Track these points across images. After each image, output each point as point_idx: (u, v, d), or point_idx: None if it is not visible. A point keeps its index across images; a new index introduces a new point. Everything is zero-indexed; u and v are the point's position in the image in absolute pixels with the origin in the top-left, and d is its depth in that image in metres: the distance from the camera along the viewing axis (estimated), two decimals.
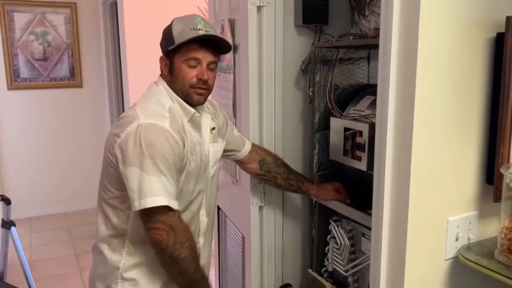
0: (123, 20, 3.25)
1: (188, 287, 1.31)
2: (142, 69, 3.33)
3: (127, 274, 1.32)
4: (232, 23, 1.73)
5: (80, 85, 4.48)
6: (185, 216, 1.33)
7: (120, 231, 1.32)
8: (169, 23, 1.34)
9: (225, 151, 1.52)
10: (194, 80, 1.30)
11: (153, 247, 1.23)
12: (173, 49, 1.27)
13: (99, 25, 4.37)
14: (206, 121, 1.41)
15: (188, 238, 1.25)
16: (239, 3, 1.65)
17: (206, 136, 1.40)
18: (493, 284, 1.21)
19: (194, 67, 1.29)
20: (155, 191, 1.17)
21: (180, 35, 1.26)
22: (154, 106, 1.29)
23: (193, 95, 1.32)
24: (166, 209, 1.19)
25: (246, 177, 1.73)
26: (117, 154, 1.22)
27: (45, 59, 4.33)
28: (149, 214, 1.19)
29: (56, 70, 4.38)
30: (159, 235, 1.19)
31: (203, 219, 1.43)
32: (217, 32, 1.37)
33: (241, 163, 1.60)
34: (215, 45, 1.32)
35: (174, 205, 1.21)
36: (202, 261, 1.44)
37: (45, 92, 4.37)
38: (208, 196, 1.44)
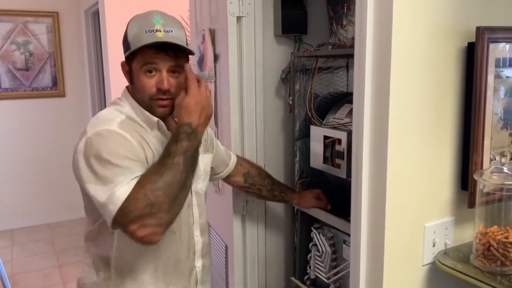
0: (105, 29, 3.24)
1: (195, 154, 1.10)
2: (124, 78, 3.33)
3: None
4: (212, 33, 1.74)
5: (62, 95, 4.45)
6: (177, 241, 1.22)
7: (103, 261, 1.21)
8: None
9: (213, 171, 1.45)
10: (153, 90, 1.14)
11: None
12: (130, 55, 1.14)
13: (81, 34, 4.35)
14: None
15: (151, 180, 1.03)
16: (219, 13, 1.67)
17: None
18: None
19: (153, 75, 1.14)
20: (121, 195, 1.01)
21: (135, 40, 1.12)
22: (105, 117, 1.16)
23: (155, 107, 1.16)
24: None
25: (228, 186, 1.73)
26: (77, 177, 1.11)
27: (27, 68, 4.29)
28: (119, 218, 1.02)
29: (38, 79, 4.34)
30: (144, 233, 1.00)
31: (198, 239, 1.30)
32: (183, 33, 1.19)
33: (225, 177, 1.55)
34: (177, 47, 1.14)
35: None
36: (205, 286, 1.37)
37: (27, 102, 4.32)
38: (203, 213, 1.33)
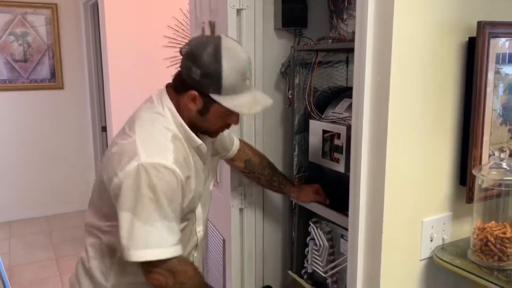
0: (104, 21, 3.23)
1: None
2: (123, 70, 3.31)
3: None
4: (212, 26, 1.73)
5: (61, 87, 4.43)
6: (182, 238, 1.24)
7: (111, 249, 1.24)
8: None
9: (216, 154, 1.47)
10: (226, 126, 1.26)
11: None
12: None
13: (80, 26, 4.33)
14: (209, 145, 1.33)
15: (190, 277, 1.17)
16: (218, 6, 1.66)
17: (208, 156, 1.34)
18: (467, 284, 1.23)
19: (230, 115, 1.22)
20: (152, 242, 1.09)
21: (231, 88, 1.13)
22: (156, 135, 1.15)
23: (213, 134, 1.28)
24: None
25: (226, 179, 1.73)
26: (114, 194, 1.12)
27: (25, 60, 4.27)
28: (145, 263, 1.11)
29: (36, 71, 4.33)
30: (156, 279, 1.13)
31: (200, 235, 1.36)
32: None
33: (227, 159, 1.58)
34: None
35: (175, 251, 1.12)
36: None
37: (25, 94, 4.31)
38: (206, 210, 1.39)
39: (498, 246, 1.02)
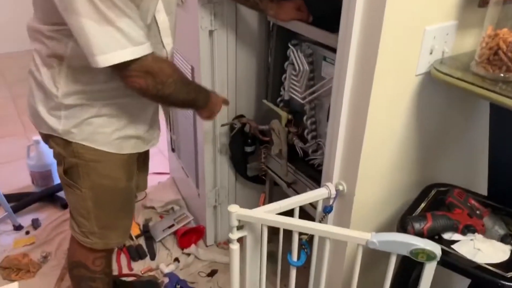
0: None
1: (187, 107, 1.39)
2: None
3: (69, 101, 1.12)
4: None
5: None
6: None
7: (57, 55, 1.09)
8: None
9: None
10: None
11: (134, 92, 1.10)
12: None
13: None
14: None
15: (169, 74, 1.08)
16: None
17: None
18: (464, 100, 1.16)
19: None
20: (116, 44, 0.96)
21: None
22: None
23: None
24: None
25: None
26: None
27: None
28: (117, 67, 1.00)
29: None
30: (135, 82, 1.04)
31: (169, 48, 1.21)
32: None
33: None
34: None
35: (145, 49, 1.01)
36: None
37: None
38: (173, 19, 1.20)
39: (509, 54, 0.90)
